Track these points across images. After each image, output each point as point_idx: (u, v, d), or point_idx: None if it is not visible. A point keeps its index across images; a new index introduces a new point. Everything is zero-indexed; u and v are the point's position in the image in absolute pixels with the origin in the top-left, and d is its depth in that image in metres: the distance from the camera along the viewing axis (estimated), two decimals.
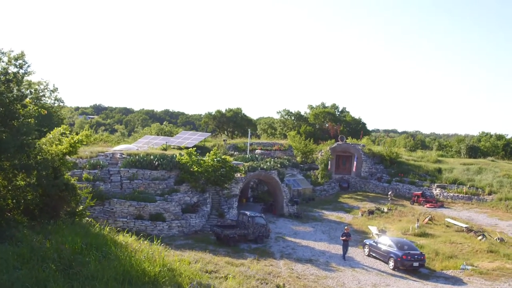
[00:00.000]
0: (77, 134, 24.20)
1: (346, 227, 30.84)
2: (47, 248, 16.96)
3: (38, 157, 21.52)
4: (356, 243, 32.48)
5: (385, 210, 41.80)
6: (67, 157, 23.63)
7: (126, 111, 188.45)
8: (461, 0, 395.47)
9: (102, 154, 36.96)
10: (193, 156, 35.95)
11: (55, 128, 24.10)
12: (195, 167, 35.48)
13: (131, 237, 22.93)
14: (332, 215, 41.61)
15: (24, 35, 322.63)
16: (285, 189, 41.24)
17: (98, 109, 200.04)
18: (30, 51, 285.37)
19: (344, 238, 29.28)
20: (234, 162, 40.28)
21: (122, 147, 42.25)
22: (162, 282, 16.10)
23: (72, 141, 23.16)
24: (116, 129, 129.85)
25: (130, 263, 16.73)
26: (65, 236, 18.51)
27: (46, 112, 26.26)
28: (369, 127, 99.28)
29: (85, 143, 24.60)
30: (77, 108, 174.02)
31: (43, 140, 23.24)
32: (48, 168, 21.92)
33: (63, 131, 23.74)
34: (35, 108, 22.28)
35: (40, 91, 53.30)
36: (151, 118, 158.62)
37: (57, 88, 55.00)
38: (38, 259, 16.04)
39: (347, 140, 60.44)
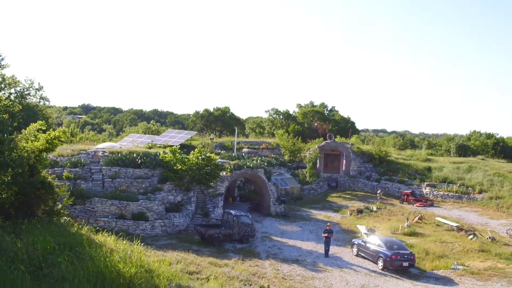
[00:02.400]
0: (54, 130, 23.21)
1: (328, 224, 30.16)
2: (18, 248, 16.06)
3: (13, 154, 20.64)
4: (345, 243, 31.76)
5: (374, 209, 41.09)
6: (45, 154, 22.65)
7: (115, 111, 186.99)
8: (448, 0, 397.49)
9: (84, 152, 35.91)
10: (177, 154, 34.92)
11: (31, 123, 23.07)
12: (179, 165, 34.48)
13: (111, 237, 21.99)
14: (320, 214, 40.84)
15: (16, 35, 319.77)
16: (272, 188, 40.39)
17: (86, 109, 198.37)
18: (19, 51, 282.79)
19: (326, 235, 28.68)
20: (220, 160, 39.39)
21: (105, 145, 41.19)
22: (138, 284, 15.19)
23: (48, 137, 22.12)
24: (104, 128, 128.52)
25: (104, 264, 15.82)
26: (37, 235, 17.59)
27: (21, 107, 25.18)
28: (358, 126, 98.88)
29: (62, 139, 23.61)
30: (65, 108, 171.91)
31: (19, 136, 22.26)
32: (24, 166, 21.03)
33: (40, 126, 22.69)
34: (10, 103, 21.38)
35: (25, 89, 52.39)
36: (140, 118, 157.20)
37: (42, 87, 54.05)
38: (7, 260, 15.18)
39: (335, 139, 59.83)
